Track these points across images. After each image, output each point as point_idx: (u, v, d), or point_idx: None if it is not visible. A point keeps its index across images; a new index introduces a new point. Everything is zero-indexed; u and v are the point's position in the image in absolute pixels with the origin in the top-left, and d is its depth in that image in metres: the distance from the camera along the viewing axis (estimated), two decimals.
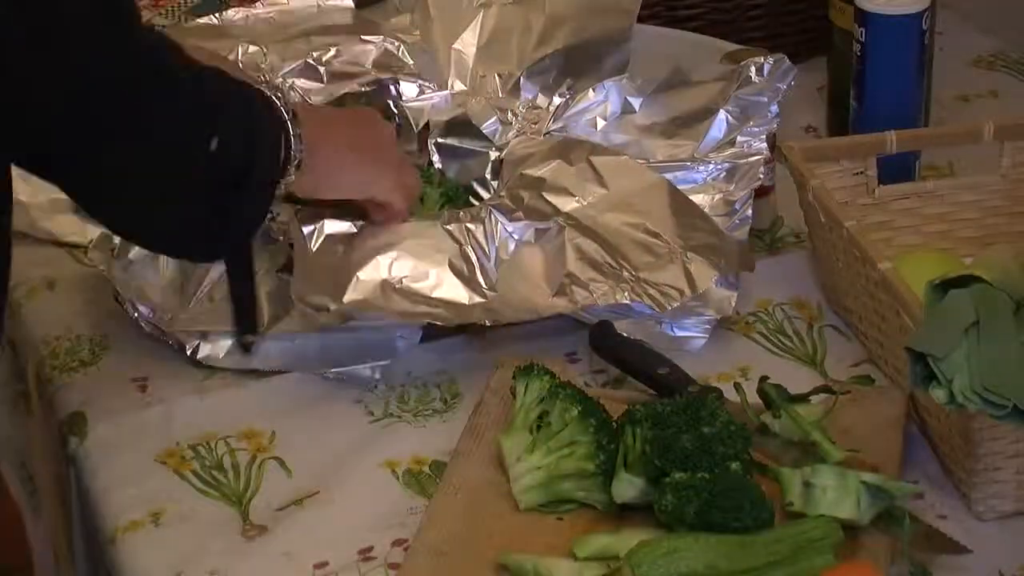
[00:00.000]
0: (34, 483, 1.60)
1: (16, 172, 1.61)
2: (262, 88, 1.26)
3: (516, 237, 1.41)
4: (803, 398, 1.27)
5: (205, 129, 1.19)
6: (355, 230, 1.39)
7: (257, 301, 1.35)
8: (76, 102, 1.12)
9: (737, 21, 1.82)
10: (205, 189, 1.20)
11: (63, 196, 1.59)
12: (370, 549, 1.23)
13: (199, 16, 1.75)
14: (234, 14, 1.69)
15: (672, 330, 1.42)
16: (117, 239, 1.45)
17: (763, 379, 1.29)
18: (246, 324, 1.34)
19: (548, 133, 1.56)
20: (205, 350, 1.40)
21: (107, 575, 1.28)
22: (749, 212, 1.50)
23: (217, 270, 1.42)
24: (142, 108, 1.16)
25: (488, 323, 1.36)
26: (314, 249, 1.38)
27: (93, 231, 1.56)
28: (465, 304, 1.36)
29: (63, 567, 1.48)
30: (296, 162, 1.26)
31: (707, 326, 1.42)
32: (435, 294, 1.36)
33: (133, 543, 1.25)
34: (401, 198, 1.39)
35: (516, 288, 1.38)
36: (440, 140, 1.57)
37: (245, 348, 1.37)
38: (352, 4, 1.73)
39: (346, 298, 1.34)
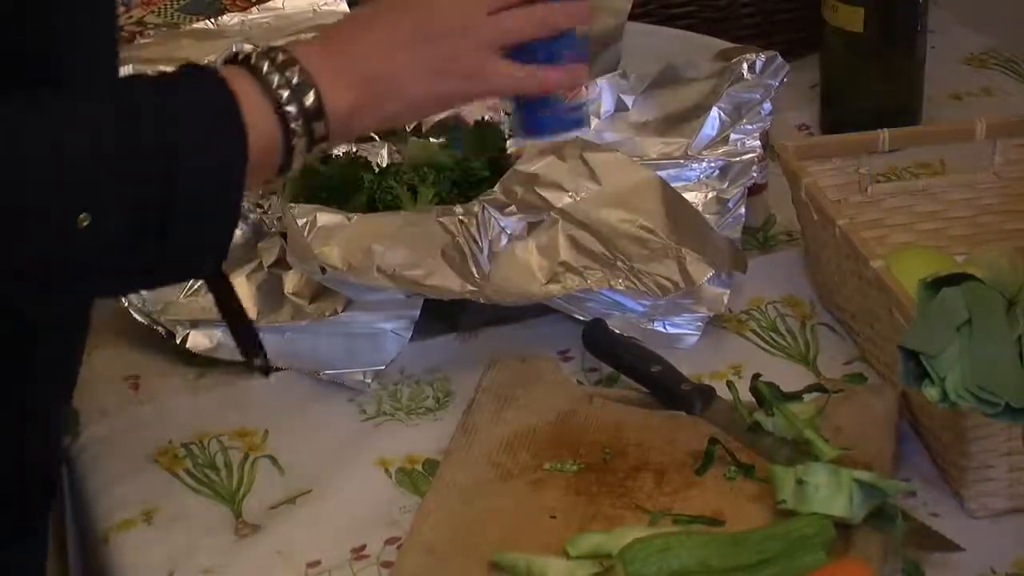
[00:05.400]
0: None
1: None
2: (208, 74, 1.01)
3: (508, 232, 1.41)
4: (796, 396, 1.27)
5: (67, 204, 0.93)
6: (348, 222, 1.39)
7: (251, 322, 1.16)
8: None
9: (730, 19, 1.82)
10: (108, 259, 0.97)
11: None
12: (363, 547, 1.22)
13: (190, 14, 1.75)
14: (230, 19, 1.70)
15: (665, 327, 1.42)
16: None
17: (756, 377, 1.29)
18: (248, 347, 1.15)
19: None
20: (194, 338, 1.40)
21: (100, 574, 1.28)
22: (742, 210, 1.50)
23: None
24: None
25: (482, 300, 1.36)
26: (308, 240, 1.38)
27: None
28: (457, 291, 1.36)
29: (55, 567, 1.48)
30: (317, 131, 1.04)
31: (700, 323, 1.42)
32: (427, 282, 1.36)
33: (126, 542, 1.25)
34: (485, 84, 1.13)
35: (509, 277, 1.38)
36: (433, 140, 1.57)
37: (263, 372, 1.23)
38: (347, 7, 1.73)
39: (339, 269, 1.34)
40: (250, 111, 1.01)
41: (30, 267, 0.94)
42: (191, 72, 1.01)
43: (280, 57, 1.04)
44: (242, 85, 1.02)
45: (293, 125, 1.03)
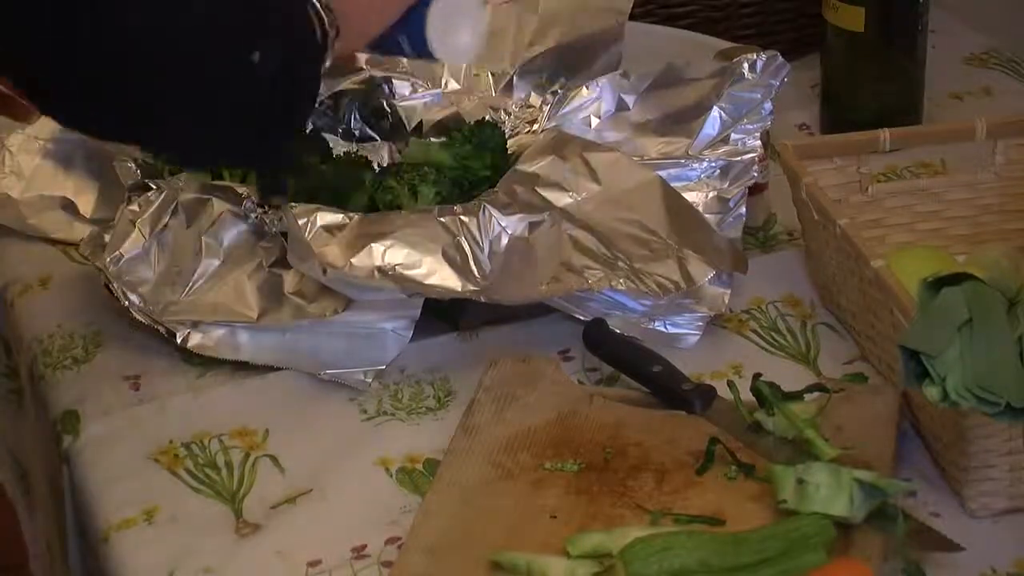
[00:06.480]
0: (28, 481, 1.60)
1: (9, 168, 1.63)
2: None
3: (509, 231, 1.41)
4: (796, 396, 1.27)
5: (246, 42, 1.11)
6: (348, 222, 1.39)
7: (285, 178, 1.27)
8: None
9: (730, 19, 1.82)
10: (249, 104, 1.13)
11: (53, 193, 1.61)
12: (363, 547, 1.22)
13: None
14: None
15: (665, 327, 1.42)
16: (107, 236, 1.45)
17: (756, 377, 1.29)
18: (269, 187, 1.28)
19: (542, 131, 1.56)
20: (196, 339, 1.40)
21: (100, 573, 1.27)
22: (743, 210, 1.50)
23: (209, 266, 1.43)
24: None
25: (483, 300, 1.36)
26: (308, 239, 1.38)
27: (81, 228, 1.56)
28: (457, 291, 1.36)
29: (57, 566, 1.48)
30: (332, 37, 1.19)
31: (700, 323, 1.42)
32: (428, 281, 1.36)
33: (126, 541, 1.25)
34: None
35: (510, 276, 1.38)
36: (433, 140, 1.57)
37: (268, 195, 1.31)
38: None
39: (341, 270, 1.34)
40: None
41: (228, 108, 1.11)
42: None
43: None
44: None
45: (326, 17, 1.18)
